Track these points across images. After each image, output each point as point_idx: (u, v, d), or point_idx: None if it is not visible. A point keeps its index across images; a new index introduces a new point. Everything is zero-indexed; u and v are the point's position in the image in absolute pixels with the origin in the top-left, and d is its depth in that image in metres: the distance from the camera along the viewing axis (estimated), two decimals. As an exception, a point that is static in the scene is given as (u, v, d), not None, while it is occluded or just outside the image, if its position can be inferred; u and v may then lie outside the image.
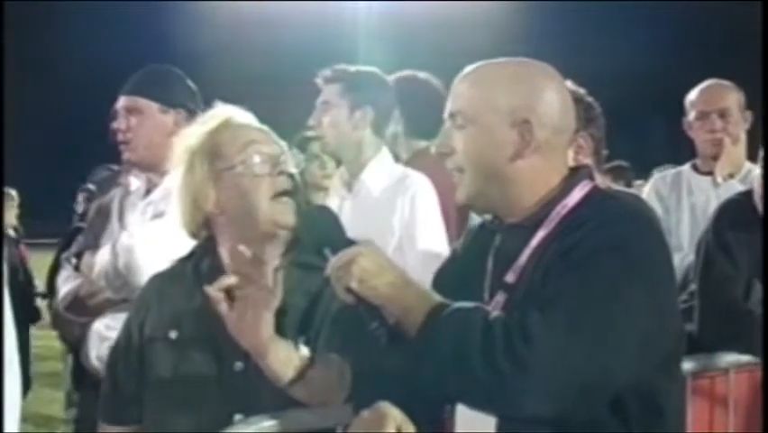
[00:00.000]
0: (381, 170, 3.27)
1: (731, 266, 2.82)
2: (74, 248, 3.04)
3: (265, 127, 2.24)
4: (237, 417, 2.03)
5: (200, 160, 2.14)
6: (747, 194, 2.96)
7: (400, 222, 3.12)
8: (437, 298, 1.75)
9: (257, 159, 2.11)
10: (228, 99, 2.30)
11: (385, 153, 3.33)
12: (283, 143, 2.23)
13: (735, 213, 2.92)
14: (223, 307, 1.93)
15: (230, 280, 1.95)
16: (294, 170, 2.19)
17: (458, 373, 1.64)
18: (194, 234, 2.20)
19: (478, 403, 1.71)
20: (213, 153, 2.13)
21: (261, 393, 2.03)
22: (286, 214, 2.10)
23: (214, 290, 1.93)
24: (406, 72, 3.64)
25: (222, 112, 2.22)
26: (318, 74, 3.31)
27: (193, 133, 2.19)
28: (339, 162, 3.49)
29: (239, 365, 2.07)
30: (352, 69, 3.32)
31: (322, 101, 3.29)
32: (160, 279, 2.26)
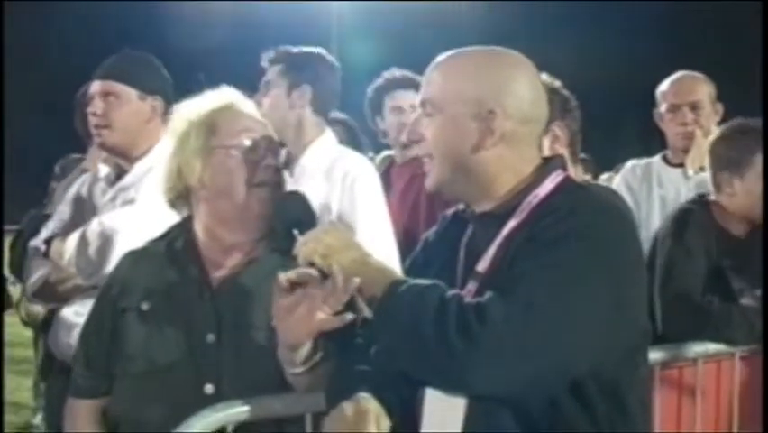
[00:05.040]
0: (322, 154, 3.18)
1: (690, 263, 2.87)
2: (43, 234, 3.01)
3: (265, 120, 2.27)
4: (208, 386, 2.05)
5: (196, 132, 2.16)
6: (701, 200, 3.05)
7: (339, 208, 3.05)
8: (398, 274, 1.76)
9: (250, 145, 2.15)
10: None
11: (328, 135, 3.26)
12: (277, 138, 2.26)
13: (693, 217, 2.98)
14: (277, 293, 1.86)
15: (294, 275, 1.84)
16: (281, 165, 2.22)
17: (412, 347, 1.65)
18: (172, 204, 2.22)
19: (430, 378, 1.70)
20: (210, 129, 2.16)
21: (233, 365, 2.05)
22: (261, 203, 2.12)
23: (283, 277, 1.84)
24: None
25: (228, 95, 2.25)
26: (263, 56, 3.25)
27: (194, 106, 2.22)
28: (282, 144, 3.42)
29: (210, 337, 2.08)
30: (295, 49, 3.26)
31: (264, 82, 3.23)
32: (133, 256, 2.27)
